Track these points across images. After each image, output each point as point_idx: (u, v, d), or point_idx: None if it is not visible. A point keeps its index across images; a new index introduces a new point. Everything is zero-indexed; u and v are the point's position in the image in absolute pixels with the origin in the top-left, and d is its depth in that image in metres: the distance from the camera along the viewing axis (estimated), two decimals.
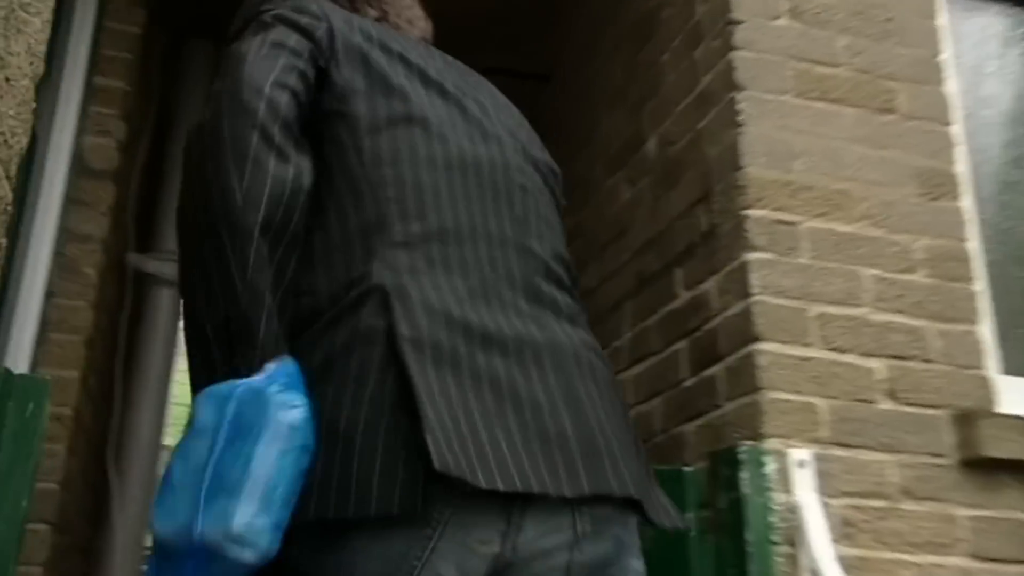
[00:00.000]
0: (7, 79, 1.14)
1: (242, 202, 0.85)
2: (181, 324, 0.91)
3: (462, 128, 1.02)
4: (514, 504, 0.81)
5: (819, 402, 1.58)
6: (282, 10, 1.00)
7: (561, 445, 0.84)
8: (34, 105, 1.32)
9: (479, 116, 1.06)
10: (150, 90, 2.71)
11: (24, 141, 1.27)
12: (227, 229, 0.84)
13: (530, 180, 1.06)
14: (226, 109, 0.90)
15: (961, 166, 1.89)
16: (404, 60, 1.04)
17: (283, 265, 0.87)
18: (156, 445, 2.84)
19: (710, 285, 1.78)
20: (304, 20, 0.99)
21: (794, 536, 1.44)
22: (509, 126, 1.10)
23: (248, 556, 0.74)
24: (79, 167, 2.28)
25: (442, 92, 1.04)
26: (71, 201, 2.26)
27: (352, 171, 0.95)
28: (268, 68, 0.93)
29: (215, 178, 0.87)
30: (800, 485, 1.46)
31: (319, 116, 0.97)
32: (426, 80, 1.04)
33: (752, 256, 1.66)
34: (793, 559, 1.44)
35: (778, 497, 1.46)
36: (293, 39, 0.97)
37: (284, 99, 0.92)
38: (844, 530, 1.49)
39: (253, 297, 0.83)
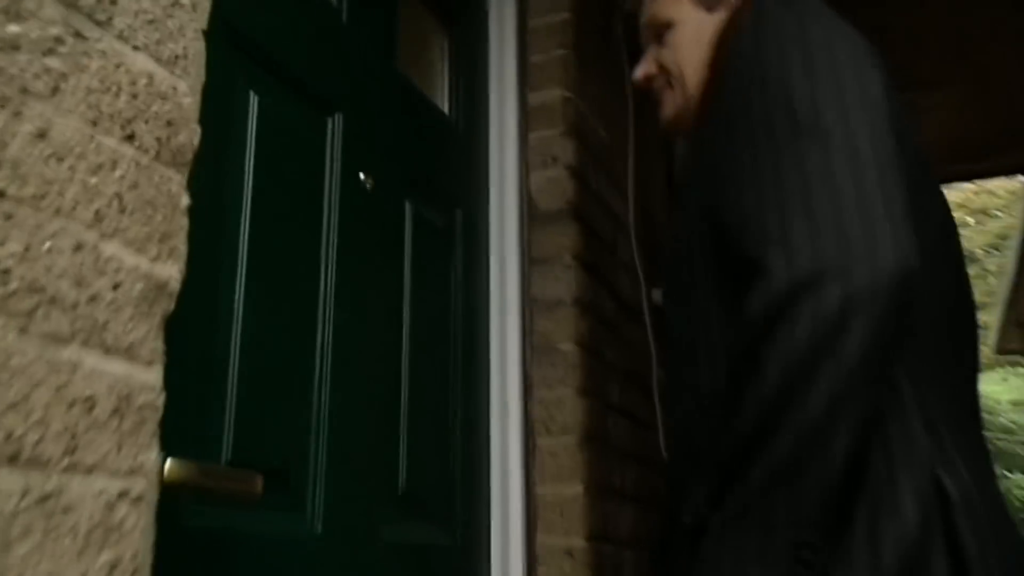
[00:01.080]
0: None
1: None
2: None
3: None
4: None
5: None
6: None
7: None
8: None
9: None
10: (610, 82, 2.07)
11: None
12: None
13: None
14: (824, 374, 0.69)
15: None
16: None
17: None
18: None
19: None
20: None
21: None
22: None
23: None
24: (530, 214, 1.77)
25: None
26: (532, 262, 1.75)
27: None
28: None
29: (783, 456, 0.71)
30: None
31: None
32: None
33: None
34: None
35: None
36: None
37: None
38: None
39: None
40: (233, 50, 1.06)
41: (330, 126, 1.24)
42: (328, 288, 1.18)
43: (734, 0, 1.01)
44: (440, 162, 1.59)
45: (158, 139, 0.75)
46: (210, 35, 0.81)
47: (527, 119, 1.81)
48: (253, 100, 1.09)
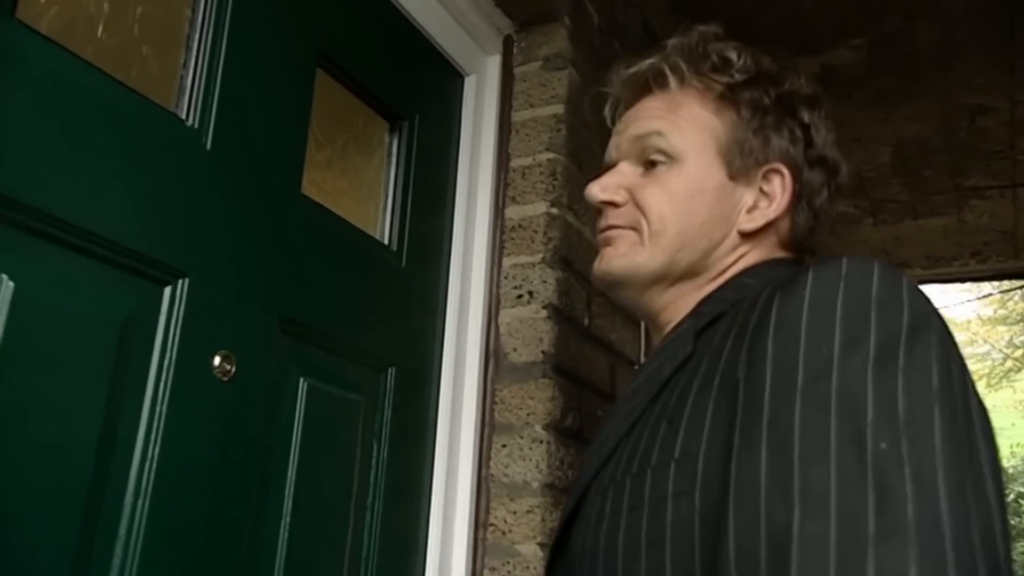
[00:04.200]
0: None
1: None
2: None
3: None
4: None
5: None
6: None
7: None
8: None
9: None
10: None
11: None
12: None
13: None
14: None
15: None
16: None
17: None
18: None
19: None
20: None
21: None
22: None
23: None
24: (496, 367, 1.37)
25: None
26: (495, 429, 1.36)
27: None
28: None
29: None
30: None
31: None
32: None
33: None
34: None
35: None
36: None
37: None
38: None
39: None
40: None
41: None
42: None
43: (766, 187, 0.79)
44: (367, 309, 1.21)
45: None
46: None
47: (501, 241, 1.43)
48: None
